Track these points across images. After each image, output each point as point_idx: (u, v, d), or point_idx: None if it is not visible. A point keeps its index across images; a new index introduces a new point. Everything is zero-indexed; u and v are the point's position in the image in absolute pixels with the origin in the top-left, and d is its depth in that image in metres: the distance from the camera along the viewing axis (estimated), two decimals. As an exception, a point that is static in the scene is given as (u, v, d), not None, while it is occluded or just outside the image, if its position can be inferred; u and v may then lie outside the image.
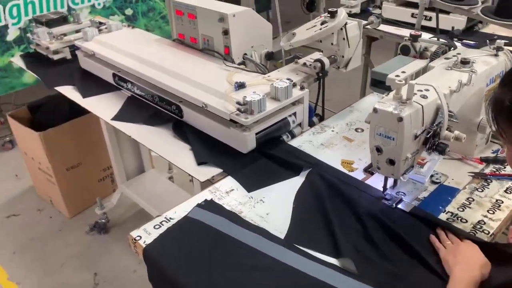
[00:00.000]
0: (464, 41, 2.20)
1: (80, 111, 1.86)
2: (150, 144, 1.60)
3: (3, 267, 2.44)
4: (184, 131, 1.61)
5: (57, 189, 2.67)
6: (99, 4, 3.47)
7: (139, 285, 2.28)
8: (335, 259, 1.09)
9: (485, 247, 1.06)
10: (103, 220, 2.64)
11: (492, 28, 2.44)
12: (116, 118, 1.77)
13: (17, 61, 2.41)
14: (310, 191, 1.31)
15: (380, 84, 1.39)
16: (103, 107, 1.86)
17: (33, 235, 2.67)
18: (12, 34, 3.08)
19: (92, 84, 2.02)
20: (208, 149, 1.52)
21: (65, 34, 2.30)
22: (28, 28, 3.03)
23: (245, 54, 1.82)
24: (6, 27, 3.03)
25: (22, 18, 3.08)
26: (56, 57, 2.23)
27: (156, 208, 2.33)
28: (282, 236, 1.16)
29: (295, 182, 1.36)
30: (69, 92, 2.02)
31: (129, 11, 3.68)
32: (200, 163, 1.46)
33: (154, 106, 1.77)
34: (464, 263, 0.99)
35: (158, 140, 1.61)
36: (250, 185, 1.35)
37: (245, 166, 1.43)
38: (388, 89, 1.31)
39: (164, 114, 1.72)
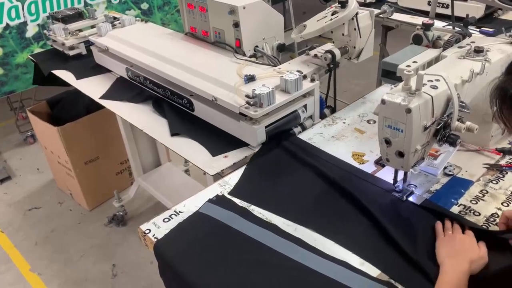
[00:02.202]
0: (482, 28, 2.14)
1: (98, 106, 1.92)
2: (161, 138, 1.62)
3: (25, 258, 2.52)
4: (162, 106, 1.75)
5: (76, 183, 2.72)
6: (115, -1, 3.51)
7: (155, 276, 2.29)
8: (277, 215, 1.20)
9: (479, 233, 1.06)
10: (121, 213, 2.69)
11: (513, 14, 2.37)
12: (103, 97, 1.92)
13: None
14: (265, 156, 1.43)
15: (392, 75, 1.36)
16: (93, 87, 2.02)
17: (54, 227, 2.74)
18: (31, 30, 3.14)
19: (85, 67, 2.20)
20: (182, 121, 1.66)
21: (80, 30, 2.34)
22: (46, 25, 3.07)
23: (257, 46, 1.81)
24: (25, 23, 3.09)
25: (41, 15, 3.13)
26: (71, 52, 2.26)
27: (171, 201, 2.36)
28: (291, 230, 1.16)
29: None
30: (64, 74, 2.17)
31: (144, 5, 3.70)
32: (173, 134, 1.60)
33: (138, 86, 1.91)
34: (455, 257, 0.99)
35: (162, 130, 1.65)
36: (214, 149, 1.48)
37: (211, 133, 1.58)
38: (399, 79, 1.29)
39: (146, 92, 1.86)
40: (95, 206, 2.86)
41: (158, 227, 1.19)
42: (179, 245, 1.13)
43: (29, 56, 2.46)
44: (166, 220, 1.21)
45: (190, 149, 1.53)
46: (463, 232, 1.07)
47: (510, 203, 1.18)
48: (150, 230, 1.18)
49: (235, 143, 1.50)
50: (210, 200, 1.26)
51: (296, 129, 1.56)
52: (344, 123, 1.60)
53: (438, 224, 1.10)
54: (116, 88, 1.99)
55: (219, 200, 1.26)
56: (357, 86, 3.86)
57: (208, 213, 1.22)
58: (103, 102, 1.88)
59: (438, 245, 1.04)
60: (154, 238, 1.15)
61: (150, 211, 2.78)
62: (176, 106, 1.72)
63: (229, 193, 1.29)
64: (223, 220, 1.19)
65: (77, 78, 2.11)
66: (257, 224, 1.17)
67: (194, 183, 2.56)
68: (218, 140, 1.54)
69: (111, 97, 1.91)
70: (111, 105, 1.86)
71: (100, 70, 2.14)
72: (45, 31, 2.45)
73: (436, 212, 1.16)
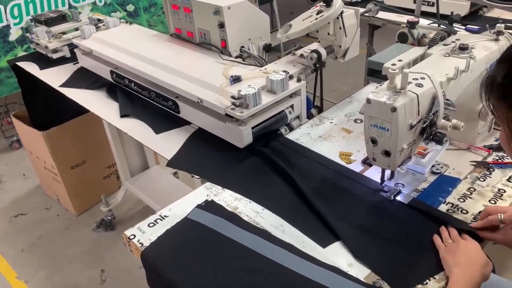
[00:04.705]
0: (468, 26, 2.15)
1: (83, 110, 1.90)
2: (113, 120, 1.74)
3: (11, 266, 2.47)
4: (115, 92, 1.89)
5: (63, 188, 2.68)
6: (100, 1, 3.47)
7: (145, 281, 2.28)
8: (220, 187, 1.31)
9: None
10: (109, 217, 2.65)
11: (498, 12, 2.38)
12: (63, 85, 2.05)
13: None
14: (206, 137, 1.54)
15: (378, 74, 1.36)
16: (55, 77, 2.13)
17: (40, 233, 2.69)
18: (15, 34, 3.10)
19: (49, 59, 2.27)
20: (131, 103, 1.80)
21: (64, 33, 2.30)
22: (30, 28, 3.03)
23: (243, 47, 1.79)
24: (8, 27, 3.04)
25: (24, 18, 3.08)
26: (55, 56, 2.22)
27: (160, 204, 2.33)
28: (279, 232, 1.14)
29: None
30: (28, 66, 2.28)
31: (130, 7, 3.67)
32: (123, 115, 1.74)
33: (96, 74, 2.05)
34: (464, 265, 0.95)
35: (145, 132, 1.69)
36: (157, 128, 1.62)
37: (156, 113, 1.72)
38: (385, 78, 1.27)
39: (104, 79, 2.00)
40: (82, 211, 2.82)
41: (143, 232, 1.16)
42: (167, 253, 1.10)
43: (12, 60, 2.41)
44: (151, 225, 1.18)
45: (135, 128, 1.67)
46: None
47: (497, 200, 1.17)
48: (135, 236, 1.15)
49: (178, 122, 1.64)
50: (198, 206, 1.23)
51: (283, 130, 1.55)
52: (331, 122, 1.59)
53: (436, 238, 1.06)
54: (75, 77, 2.12)
55: (207, 206, 1.24)
56: (345, 86, 3.86)
57: (197, 219, 1.19)
58: (62, 90, 2.01)
59: (443, 257, 1.00)
60: (139, 243, 1.13)
61: (139, 215, 2.74)
62: (127, 91, 1.86)
63: (167, 164, 1.43)
64: (212, 226, 1.16)
65: (41, 69, 2.21)
66: (247, 229, 1.15)
67: (183, 186, 2.53)
68: (161, 120, 1.67)
69: (70, 85, 2.04)
70: (69, 92, 1.99)
71: (64, 61, 2.26)
72: (27, 34, 2.40)
73: (424, 211, 1.15)
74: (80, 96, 1.94)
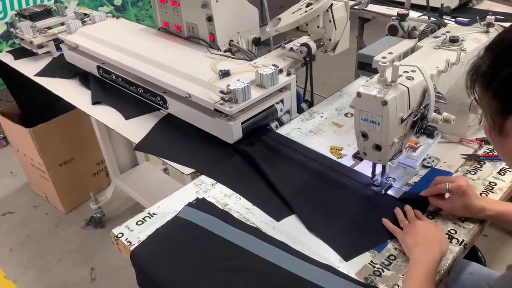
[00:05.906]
0: (458, 18, 2.14)
1: (71, 106, 1.87)
2: (84, 107, 1.80)
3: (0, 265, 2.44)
4: (88, 80, 1.93)
5: (51, 185, 2.64)
6: (87, -5, 3.41)
7: (135, 280, 2.26)
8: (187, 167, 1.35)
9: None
10: (98, 215, 2.62)
11: (487, 4, 2.38)
12: (38, 74, 2.08)
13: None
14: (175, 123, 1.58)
15: (368, 67, 1.34)
16: (30, 67, 2.16)
17: (29, 232, 2.65)
18: (-1, 29, 3.04)
19: (24, 50, 2.28)
20: (103, 91, 1.85)
21: (49, 28, 2.26)
22: (14, 23, 2.97)
23: (231, 40, 1.77)
24: (-8, 22, 2.98)
25: (8, 12, 3.02)
26: (40, 51, 2.18)
27: (150, 201, 2.30)
28: (269, 228, 1.13)
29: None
30: (3, 56, 2.29)
31: (118, 1, 3.61)
32: (94, 102, 1.80)
33: (70, 64, 2.07)
34: (422, 244, 0.97)
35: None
36: (127, 114, 1.68)
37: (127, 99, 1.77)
38: (375, 71, 1.26)
39: (78, 68, 2.04)
40: (71, 208, 2.78)
41: (131, 231, 1.14)
42: (157, 252, 1.08)
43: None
44: (139, 223, 1.16)
45: (106, 114, 1.71)
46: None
47: (488, 193, 1.17)
48: (122, 234, 1.13)
49: (149, 108, 1.67)
50: (189, 204, 1.21)
51: (273, 125, 1.53)
52: (321, 117, 1.57)
53: (387, 222, 1.09)
54: (50, 66, 2.15)
55: (199, 204, 1.21)
56: (336, 79, 3.86)
57: (188, 217, 1.16)
58: (37, 79, 2.04)
59: (401, 239, 1.03)
60: (127, 242, 1.11)
61: (129, 212, 2.71)
62: (99, 79, 1.91)
63: (134, 147, 1.49)
64: (203, 225, 1.13)
65: (15, 59, 2.24)
66: (239, 227, 1.13)
67: (173, 182, 2.51)
68: (132, 106, 1.72)
69: (44, 74, 2.08)
70: (43, 81, 2.02)
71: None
72: (12, 29, 2.35)
73: (415, 203, 1.14)
74: (53, 85, 1.97)
